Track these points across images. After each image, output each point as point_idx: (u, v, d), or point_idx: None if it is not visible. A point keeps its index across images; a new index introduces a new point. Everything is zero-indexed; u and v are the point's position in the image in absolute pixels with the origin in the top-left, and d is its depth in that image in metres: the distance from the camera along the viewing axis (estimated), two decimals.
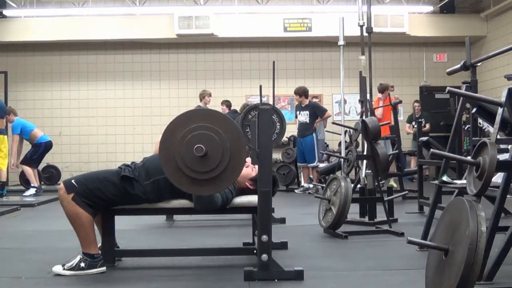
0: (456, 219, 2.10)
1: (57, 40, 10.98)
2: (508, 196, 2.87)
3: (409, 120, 10.92)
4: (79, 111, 11.49)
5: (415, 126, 10.38)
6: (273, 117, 4.81)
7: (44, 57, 11.59)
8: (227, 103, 9.20)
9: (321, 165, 8.81)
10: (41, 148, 8.55)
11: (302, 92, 8.71)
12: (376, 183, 5.02)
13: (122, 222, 3.64)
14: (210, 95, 9.27)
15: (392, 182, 8.30)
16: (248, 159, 3.14)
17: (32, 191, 8.28)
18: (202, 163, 2.80)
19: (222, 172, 2.82)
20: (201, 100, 9.23)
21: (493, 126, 2.78)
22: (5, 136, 7.91)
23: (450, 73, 3.97)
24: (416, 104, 10.89)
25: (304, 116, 8.64)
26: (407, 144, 10.46)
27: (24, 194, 8.31)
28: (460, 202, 2.13)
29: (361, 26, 5.69)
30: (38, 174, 9.10)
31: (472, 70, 3.70)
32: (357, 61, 6.23)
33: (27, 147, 8.72)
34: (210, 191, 2.96)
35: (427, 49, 11.93)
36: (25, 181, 9.25)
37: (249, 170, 3.41)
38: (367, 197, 5.07)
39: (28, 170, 8.41)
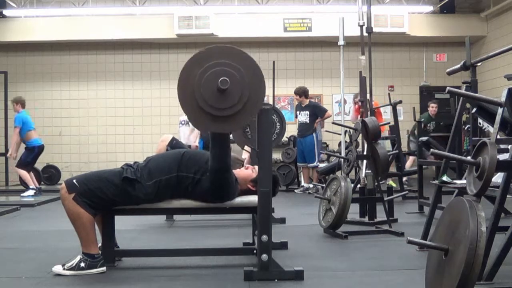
0: (456, 219, 2.10)
1: (57, 40, 10.99)
2: (508, 196, 2.87)
3: (427, 121, 10.13)
4: (79, 111, 11.49)
5: (429, 127, 10.20)
6: (273, 117, 4.81)
7: (44, 57, 11.59)
8: None
9: (321, 165, 8.81)
10: (34, 151, 8.50)
11: (302, 92, 8.71)
12: (376, 183, 5.02)
13: (122, 222, 3.63)
14: None
15: (391, 182, 8.29)
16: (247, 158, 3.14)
17: (30, 192, 8.26)
18: (223, 100, 2.77)
19: (242, 108, 2.80)
20: None
21: (493, 126, 2.78)
22: None
23: (450, 73, 3.97)
24: (433, 105, 10.05)
25: (304, 116, 8.64)
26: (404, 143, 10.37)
27: (22, 195, 8.30)
28: (460, 202, 2.13)
29: (361, 26, 5.69)
30: (37, 175, 9.13)
31: (472, 70, 3.70)
32: (357, 61, 6.23)
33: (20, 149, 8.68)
34: (231, 128, 2.96)
35: (427, 49, 11.93)
36: (24, 182, 9.26)
37: (249, 171, 3.41)
38: (367, 197, 5.07)
39: (24, 174, 8.38)
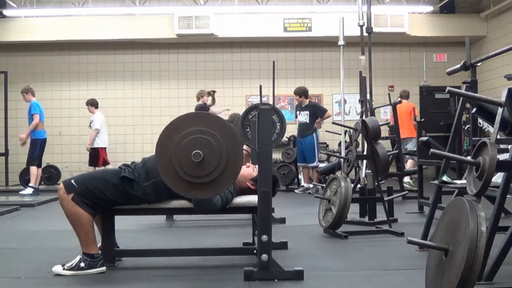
0: (456, 219, 2.10)
1: (57, 40, 10.99)
2: (508, 196, 2.87)
3: None
4: (79, 111, 11.46)
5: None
6: (273, 117, 4.81)
7: (44, 57, 11.59)
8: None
9: (321, 165, 8.81)
10: (37, 146, 8.49)
11: (302, 92, 8.71)
12: (376, 183, 5.02)
13: (122, 222, 3.63)
14: (209, 94, 9.22)
15: (410, 181, 8.21)
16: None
17: (29, 190, 8.30)
18: (200, 168, 2.81)
19: (220, 175, 2.83)
20: (198, 100, 9.22)
21: (493, 126, 2.78)
22: None
23: (450, 73, 3.97)
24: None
25: (304, 116, 8.64)
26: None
27: (21, 192, 8.35)
28: (460, 202, 2.12)
29: (361, 26, 5.69)
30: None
31: (472, 70, 3.70)
32: (357, 61, 6.23)
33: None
34: (209, 195, 2.98)
35: (427, 49, 11.93)
36: (25, 181, 9.28)
37: (250, 170, 3.41)
38: (367, 197, 5.07)
39: (34, 170, 8.43)
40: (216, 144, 2.81)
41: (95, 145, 9.42)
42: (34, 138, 8.48)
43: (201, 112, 2.96)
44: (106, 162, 9.45)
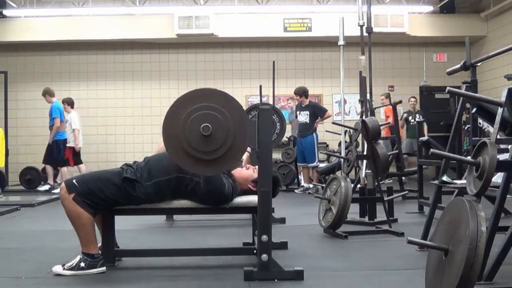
0: (456, 219, 2.10)
1: (57, 40, 10.99)
2: (508, 196, 2.87)
3: (408, 115, 10.71)
4: (79, 111, 11.47)
5: (412, 121, 10.43)
6: (273, 117, 4.81)
7: (44, 57, 11.60)
8: None
9: (321, 165, 8.81)
10: (60, 146, 8.93)
11: (302, 92, 8.71)
12: (376, 183, 5.02)
13: (122, 222, 3.63)
14: None
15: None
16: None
17: (46, 187, 8.87)
18: (206, 143, 2.80)
19: (226, 152, 2.82)
20: None
21: (493, 126, 2.78)
22: (1, 129, 8.01)
23: (450, 73, 3.97)
24: (412, 99, 10.81)
25: (304, 116, 8.64)
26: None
27: (39, 188, 8.99)
28: (460, 202, 2.12)
29: (361, 26, 5.69)
30: (38, 175, 9.31)
31: (472, 70, 3.70)
32: (357, 61, 6.23)
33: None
34: (214, 171, 2.97)
35: (427, 49, 11.93)
36: (25, 181, 9.32)
37: (250, 171, 3.41)
38: (367, 197, 5.07)
39: (62, 170, 8.91)
40: (224, 120, 2.81)
41: (71, 144, 9.20)
42: (56, 139, 8.88)
43: (210, 88, 2.94)
44: (67, 162, 9.17)
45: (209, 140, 2.79)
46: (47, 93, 8.95)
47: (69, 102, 9.42)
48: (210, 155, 2.82)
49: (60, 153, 8.87)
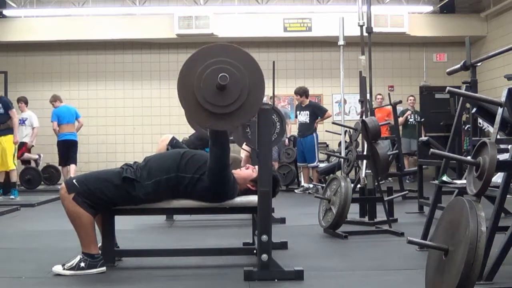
0: (456, 219, 2.10)
1: (57, 40, 10.99)
2: (508, 196, 2.87)
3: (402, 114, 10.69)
4: (79, 111, 11.48)
5: (410, 121, 10.42)
6: (273, 117, 4.80)
7: (44, 57, 11.59)
8: None
9: (321, 165, 8.81)
10: (59, 147, 9.34)
11: (302, 92, 8.71)
12: (376, 183, 5.02)
13: (122, 222, 3.63)
14: None
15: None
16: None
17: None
18: (221, 97, 2.80)
19: (240, 107, 2.82)
20: None
21: (493, 126, 2.78)
22: (12, 136, 8.03)
23: (450, 73, 3.97)
24: (411, 98, 10.79)
25: (304, 116, 8.64)
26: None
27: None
28: (460, 202, 2.13)
29: (361, 26, 5.68)
30: (38, 175, 9.37)
31: (472, 70, 3.70)
32: (357, 61, 6.22)
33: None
34: (228, 126, 2.97)
35: (427, 49, 11.92)
36: (26, 181, 9.32)
37: (250, 171, 3.41)
38: (367, 197, 5.07)
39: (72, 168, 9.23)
40: (239, 75, 2.81)
41: (26, 139, 9.46)
42: (57, 140, 9.33)
43: (227, 44, 2.94)
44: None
45: (224, 94, 2.79)
46: (52, 100, 9.45)
47: (26, 101, 9.61)
48: (224, 109, 2.82)
49: (59, 153, 9.24)
